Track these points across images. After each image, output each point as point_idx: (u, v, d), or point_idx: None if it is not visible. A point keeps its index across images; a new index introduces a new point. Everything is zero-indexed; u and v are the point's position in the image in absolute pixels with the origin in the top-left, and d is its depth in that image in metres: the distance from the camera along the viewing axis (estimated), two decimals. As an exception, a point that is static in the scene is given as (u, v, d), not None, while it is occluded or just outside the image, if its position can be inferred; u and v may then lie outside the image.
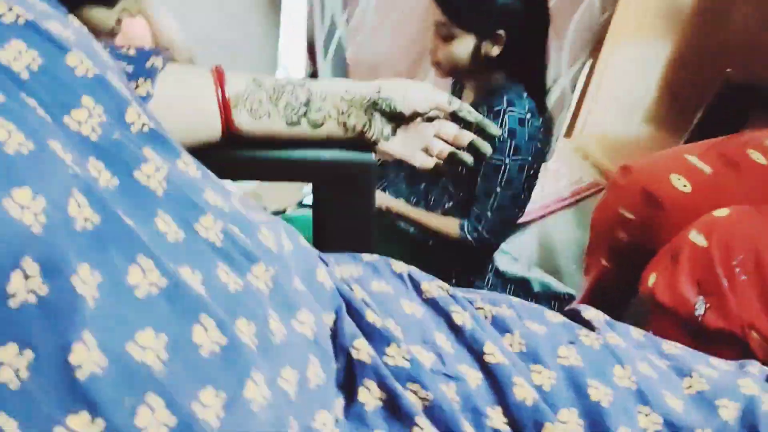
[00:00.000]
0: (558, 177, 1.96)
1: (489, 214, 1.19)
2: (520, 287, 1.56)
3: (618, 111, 1.97)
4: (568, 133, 2.13)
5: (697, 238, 0.79)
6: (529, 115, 1.15)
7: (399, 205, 1.28)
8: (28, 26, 0.38)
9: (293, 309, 0.45)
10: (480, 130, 0.70)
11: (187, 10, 1.41)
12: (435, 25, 1.14)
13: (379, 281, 0.57)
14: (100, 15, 0.92)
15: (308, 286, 0.50)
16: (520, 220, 1.67)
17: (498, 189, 1.17)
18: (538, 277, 1.60)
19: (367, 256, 0.61)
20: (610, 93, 1.97)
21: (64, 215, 0.31)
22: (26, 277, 0.29)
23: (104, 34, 0.99)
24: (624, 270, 0.98)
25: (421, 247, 1.33)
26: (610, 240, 0.99)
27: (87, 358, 0.30)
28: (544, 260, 1.72)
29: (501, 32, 1.11)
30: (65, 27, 0.42)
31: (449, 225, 1.24)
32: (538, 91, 1.21)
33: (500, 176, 1.16)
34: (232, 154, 0.65)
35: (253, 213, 0.50)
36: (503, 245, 1.56)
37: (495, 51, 1.12)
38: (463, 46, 1.12)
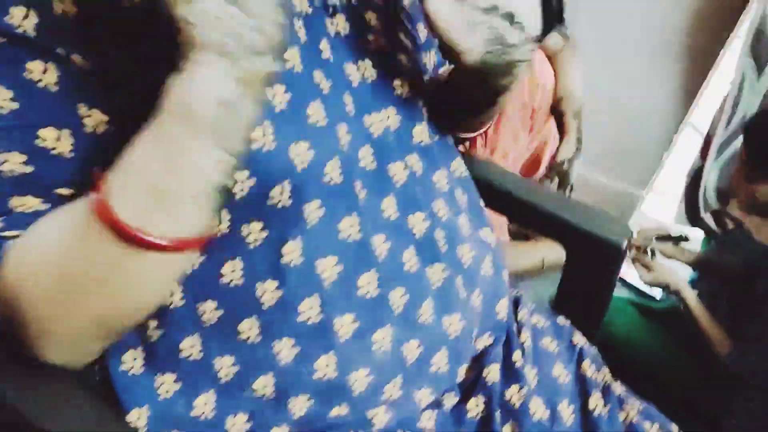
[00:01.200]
0: None
1: (754, 359, 1.05)
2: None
3: None
4: None
5: None
6: None
7: (688, 295, 1.21)
8: None
9: (449, 310, 0.57)
10: None
11: (598, 70, 1.54)
12: (740, 160, 1.05)
13: (551, 341, 0.65)
14: None
15: (484, 306, 0.62)
16: None
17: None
18: None
19: (561, 319, 0.69)
20: None
21: (321, 169, 0.51)
22: (282, 192, 0.49)
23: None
24: None
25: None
26: None
27: (294, 252, 0.50)
28: None
29: None
30: None
31: (723, 343, 1.13)
32: None
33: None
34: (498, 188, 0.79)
35: (473, 233, 0.63)
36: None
37: None
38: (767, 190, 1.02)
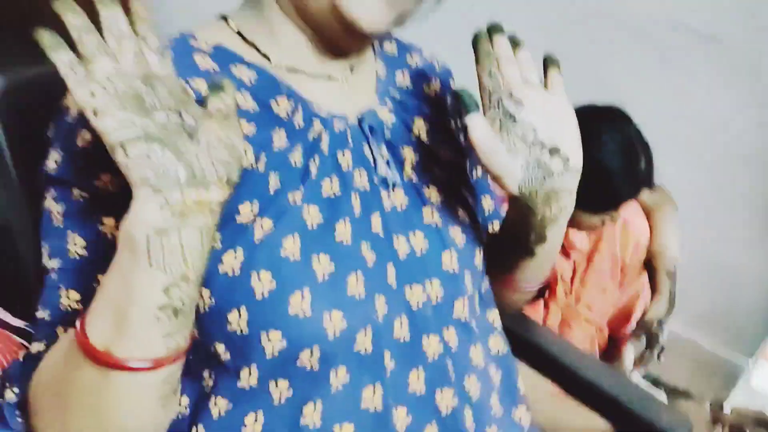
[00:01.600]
0: None
1: None
2: None
3: None
4: None
5: None
6: None
7: None
8: None
9: None
10: None
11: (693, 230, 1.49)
12: None
13: None
14: (588, 218, 1.15)
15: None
16: None
17: None
18: None
19: None
20: None
21: (352, 338, 0.54)
22: (311, 356, 0.52)
23: (587, 227, 1.21)
24: None
25: None
26: None
27: (314, 414, 0.52)
28: None
29: None
30: None
31: None
32: None
33: None
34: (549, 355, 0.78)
35: (505, 414, 0.62)
36: None
37: None
38: None
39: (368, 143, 0.62)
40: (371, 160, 0.61)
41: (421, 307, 0.59)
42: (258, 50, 0.59)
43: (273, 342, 0.51)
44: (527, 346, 0.83)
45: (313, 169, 0.57)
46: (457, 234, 0.64)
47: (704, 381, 1.67)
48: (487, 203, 0.74)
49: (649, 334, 1.37)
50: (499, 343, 0.66)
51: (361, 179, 0.60)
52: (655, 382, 1.64)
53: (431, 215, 0.63)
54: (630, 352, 1.46)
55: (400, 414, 0.55)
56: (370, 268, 0.56)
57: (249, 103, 0.56)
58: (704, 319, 1.72)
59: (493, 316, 0.68)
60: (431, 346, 0.58)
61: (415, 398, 0.56)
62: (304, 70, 0.61)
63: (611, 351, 1.50)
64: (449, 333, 0.60)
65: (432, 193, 0.64)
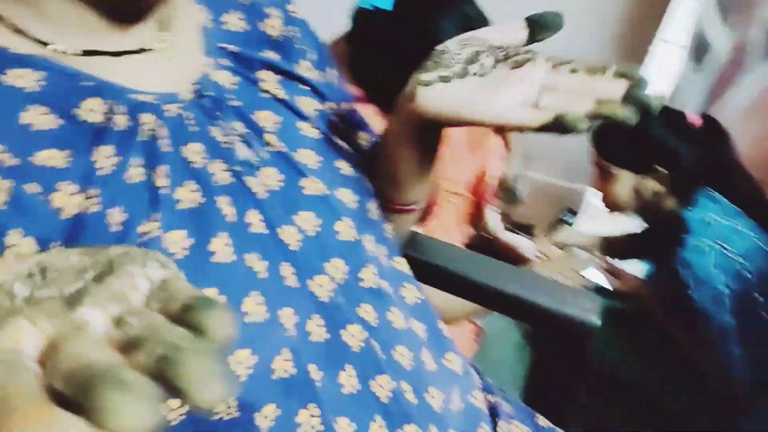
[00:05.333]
0: None
1: None
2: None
3: None
4: None
5: None
6: (718, 242, 1.09)
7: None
8: None
9: None
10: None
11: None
12: (595, 164, 1.25)
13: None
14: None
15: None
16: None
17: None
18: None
19: (542, 420, 0.66)
20: None
21: (267, 368, 0.46)
22: (228, 406, 0.44)
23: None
24: None
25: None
26: None
27: None
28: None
29: (661, 168, 1.17)
30: None
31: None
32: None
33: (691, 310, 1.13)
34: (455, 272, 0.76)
35: (438, 366, 0.59)
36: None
37: (658, 187, 1.19)
38: (623, 183, 1.22)
39: (214, 121, 0.50)
40: (225, 143, 0.50)
41: (333, 295, 0.51)
42: (33, 37, 0.43)
43: (173, 410, 0.42)
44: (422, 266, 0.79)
45: (160, 181, 0.45)
46: (345, 195, 0.56)
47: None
48: (364, 139, 0.66)
49: (507, 191, 1.42)
50: (413, 292, 0.61)
51: (221, 173, 0.48)
52: (520, 227, 1.73)
53: (312, 184, 0.53)
54: (492, 212, 1.50)
55: (342, 425, 0.49)
56: (263, 281, 0.47)
57: (46, 120, 0.42)
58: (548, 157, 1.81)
59: (401, 262, 0.62)
60: (354, 335, 0.52)
61: (353, 400, 0.50)
62: (106, 49, 0.46)
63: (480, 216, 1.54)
64: (365, 310, 0.53)
65: (305, 157, 0.54)
